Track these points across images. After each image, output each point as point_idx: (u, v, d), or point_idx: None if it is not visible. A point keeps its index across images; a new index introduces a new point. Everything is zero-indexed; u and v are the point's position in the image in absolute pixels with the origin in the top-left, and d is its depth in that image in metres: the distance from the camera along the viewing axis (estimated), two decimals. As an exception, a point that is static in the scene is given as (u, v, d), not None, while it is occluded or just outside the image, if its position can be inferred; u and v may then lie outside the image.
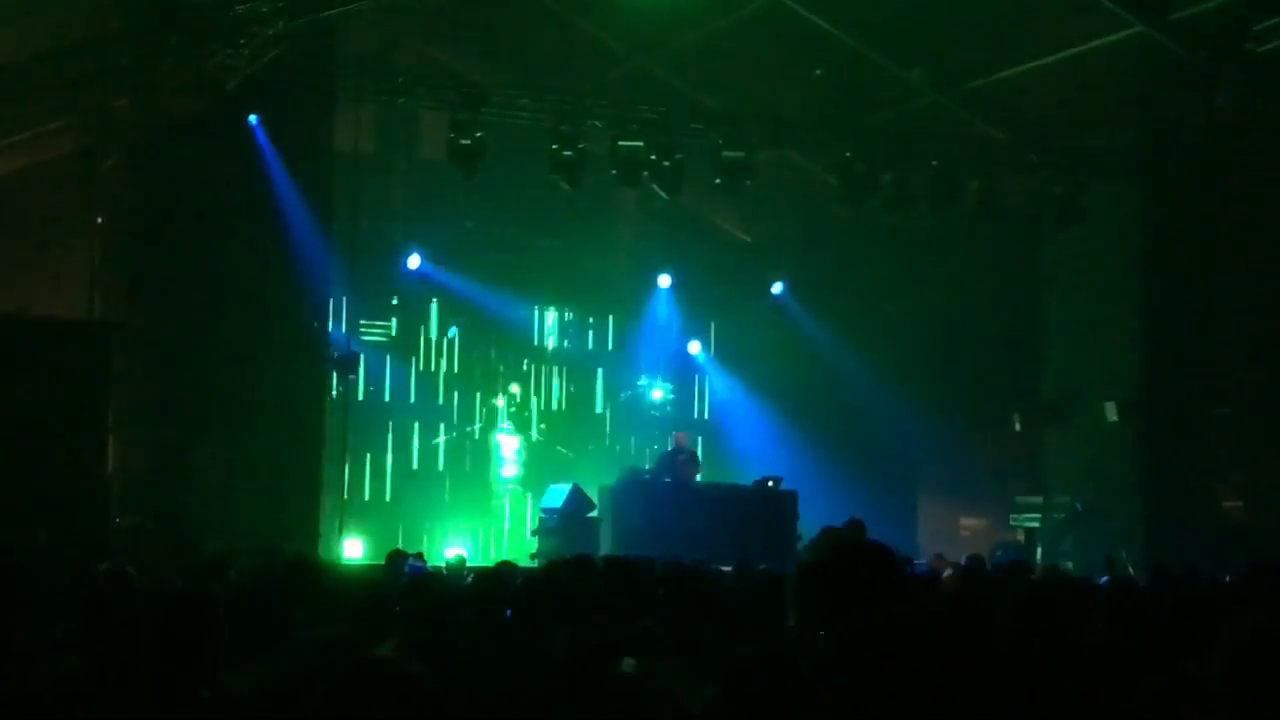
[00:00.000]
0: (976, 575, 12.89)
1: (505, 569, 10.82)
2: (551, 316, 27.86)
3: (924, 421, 25.81)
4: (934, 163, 22.33)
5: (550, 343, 27.84)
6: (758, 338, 28.02)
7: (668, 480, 22.38)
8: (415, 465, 26.09)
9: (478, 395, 26.66)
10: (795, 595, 4.57)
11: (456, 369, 26.68)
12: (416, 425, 26.21)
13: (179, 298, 18.91)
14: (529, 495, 25.60)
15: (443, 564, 16.98)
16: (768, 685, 4.45)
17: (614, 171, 21.51)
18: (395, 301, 25.98)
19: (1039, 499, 23.26)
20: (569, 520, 21.25)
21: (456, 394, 26.56)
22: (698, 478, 23.02)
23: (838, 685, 3.06)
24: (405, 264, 25.29)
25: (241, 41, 18.28)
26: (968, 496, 25.79)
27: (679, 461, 22.91)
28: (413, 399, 26.19)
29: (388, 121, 23.81)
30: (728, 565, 14.42)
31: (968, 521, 25.78)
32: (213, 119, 18.81)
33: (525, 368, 27.35)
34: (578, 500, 21.56)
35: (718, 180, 22.02)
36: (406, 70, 21.50)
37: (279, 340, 19.57)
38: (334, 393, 21.35)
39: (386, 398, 25.85)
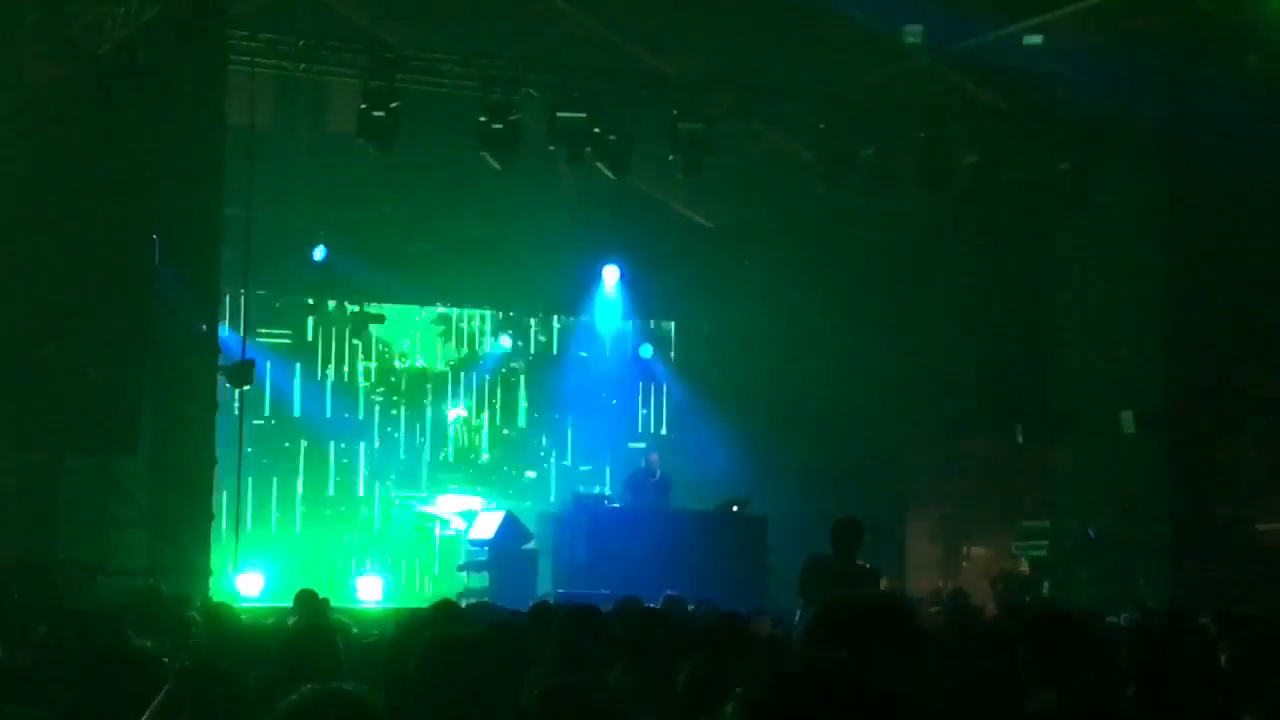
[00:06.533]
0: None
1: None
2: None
3: (913, 433, 25.81)
4: (923, 135, 22.37)
5: (481, 347, 27.81)
6: (720, 339, 27.96)
7: (618, 505, 22.29)
8: (331, 491, 26.15)
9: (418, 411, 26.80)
10: None
11: (374, 378, 26.73)
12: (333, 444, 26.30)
13: (41, 295, 18.69)
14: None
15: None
16: None
17: (552, 147, 21.47)
18: (306, 300, 25.91)
19: (1046, 523, 23.27)
20: (502, 553, 21.18)
21: (362, 405, 26.63)
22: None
23: None
24: (310, 255, 25.13)
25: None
26: (964, 520, 25.78)
27: (650, 485, 22.74)
28: (297, 411, 26.27)
29: (288, 91, 23.65)
30: (688, 604, 14.41)
31: (963, 549, 25.75)
32: (78, 87, 18.60)
33: (453, 375, 27.37)
34: (512, 530, 21.49)
35: (672, 157, 21.99)
36: (309, 30, 21.35)
37: (162, 346, 19.39)
38: (236, 408, 21.15)
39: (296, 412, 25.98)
